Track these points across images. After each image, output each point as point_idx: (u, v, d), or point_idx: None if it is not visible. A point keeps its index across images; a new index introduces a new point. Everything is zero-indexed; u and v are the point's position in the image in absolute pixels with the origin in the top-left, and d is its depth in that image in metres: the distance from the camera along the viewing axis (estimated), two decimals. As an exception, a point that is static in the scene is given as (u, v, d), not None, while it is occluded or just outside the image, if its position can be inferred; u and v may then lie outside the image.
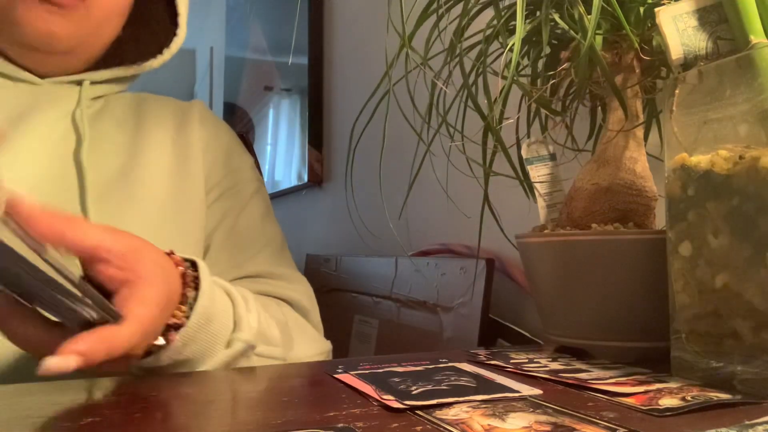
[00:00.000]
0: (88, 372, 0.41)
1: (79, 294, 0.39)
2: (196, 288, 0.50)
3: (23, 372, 0.54)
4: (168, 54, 0.72)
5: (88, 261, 0.44)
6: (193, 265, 0.52)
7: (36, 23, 0.61)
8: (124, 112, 0.71)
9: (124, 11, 0.68)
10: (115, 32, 0.69)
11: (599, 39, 0.52)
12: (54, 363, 0.38)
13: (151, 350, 0.47)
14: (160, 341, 0.47)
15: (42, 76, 0.66)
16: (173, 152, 0.70)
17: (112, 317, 0.42)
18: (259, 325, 0.56)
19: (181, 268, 0.50)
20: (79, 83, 0.68)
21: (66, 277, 0.39)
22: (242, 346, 0.53)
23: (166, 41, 0.72)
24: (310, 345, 0.67)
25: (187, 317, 0.49)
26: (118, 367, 0.44)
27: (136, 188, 0.66)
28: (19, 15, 0.60)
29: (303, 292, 0.72)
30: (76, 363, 0.39)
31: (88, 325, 0.41)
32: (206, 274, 0.51)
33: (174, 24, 0.73)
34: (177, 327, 0.48)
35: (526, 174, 0.62)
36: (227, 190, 0.73)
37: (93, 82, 0.69)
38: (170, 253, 0.51)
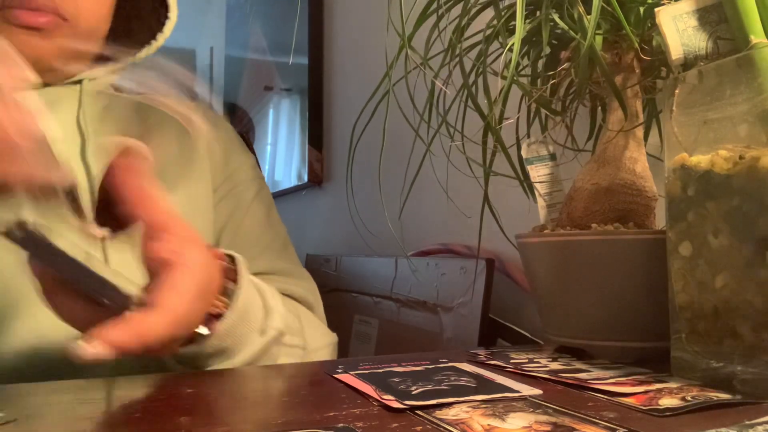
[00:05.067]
0: (116, 364, 0.42)
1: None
2: (235, 280, 0.52)
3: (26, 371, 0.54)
4: (162, 39, 0.71)
5: (148, 232, 0.45)
6: (231, 258, 0.53)
7: (20, 50, 0.59)
8: (128, 116, 0.71)
9: (108, 15, 0.67)
10: (103, 33, 0.67)
11: (599, 39, 0.52)
12: (90, 353, 0.39)
13: (194, 338, 0.48)
14: (204, 330, 0.48)
15: (44, 85, 0.66)
16: (179, 155, 0.70)
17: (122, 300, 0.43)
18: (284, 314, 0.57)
19: (221, 262, 0.52)
20: (79, 82, 0.68)
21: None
22: (275, 333, 0.54)
23: (159, 27, 0.71)
24: (320, 336, 0.68)
25: (227, 307, 0.50)
26: (158, 352, 0.45)
27: None
28: None
29: (307, 287, 0.73)
30: (109, 355, 0.40)
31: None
32: (244, 267, 0.53)
33: (165, 7, 0.72)
34: (218, 316, 0.49)
35: (526, 174, 0.62)
36: (228, 192, 0.73)
37: (91, 79, 0.68)
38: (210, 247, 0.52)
